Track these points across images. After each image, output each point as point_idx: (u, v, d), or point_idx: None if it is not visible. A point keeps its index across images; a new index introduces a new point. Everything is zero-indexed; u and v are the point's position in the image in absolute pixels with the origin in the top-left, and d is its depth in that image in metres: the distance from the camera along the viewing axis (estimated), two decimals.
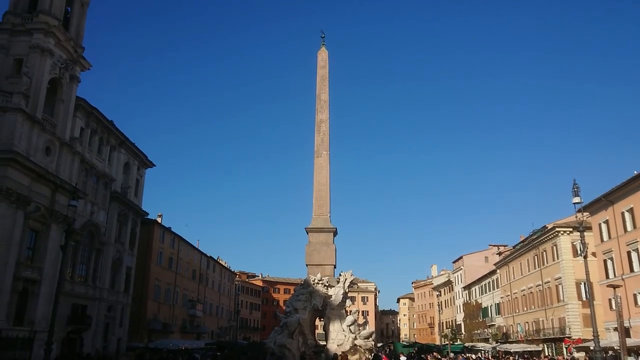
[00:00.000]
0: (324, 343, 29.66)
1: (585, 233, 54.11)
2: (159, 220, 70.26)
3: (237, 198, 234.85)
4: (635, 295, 41.66)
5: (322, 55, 35.83)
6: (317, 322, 33.54)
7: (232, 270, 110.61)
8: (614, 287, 30.87)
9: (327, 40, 36.51)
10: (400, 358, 24.09)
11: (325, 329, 30.34)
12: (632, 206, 42.85)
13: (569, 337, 53.55)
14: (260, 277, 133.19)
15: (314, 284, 30.50)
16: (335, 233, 33.05)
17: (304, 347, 28.06)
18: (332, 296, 30.04)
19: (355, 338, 28.29)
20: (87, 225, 44.76)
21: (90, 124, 46.16)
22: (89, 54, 79.10)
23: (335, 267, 32.90)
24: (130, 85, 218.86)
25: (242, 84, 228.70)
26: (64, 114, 40.93)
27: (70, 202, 21.79)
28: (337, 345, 27.68)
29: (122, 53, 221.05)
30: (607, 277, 45.93)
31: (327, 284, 30.68)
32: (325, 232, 32.63)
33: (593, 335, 21.81)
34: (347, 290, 30.71)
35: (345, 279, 30.83)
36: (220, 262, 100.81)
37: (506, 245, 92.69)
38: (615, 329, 44.98)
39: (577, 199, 22.42)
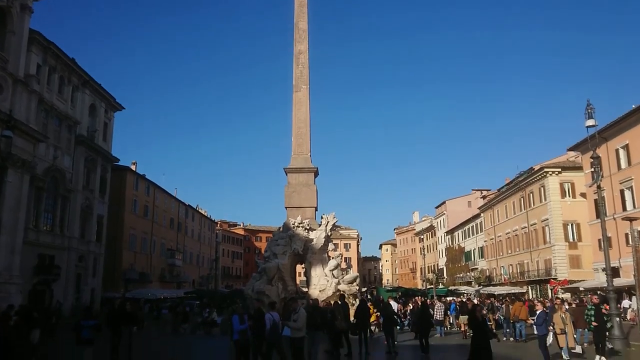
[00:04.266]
0: (307, 289, 27.99)
1: (575, 173, 53.24)
2: (132, 167, 67.24)
3: (216, 144, 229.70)
4: (626, 235, 40.44)
5: None
6: (300, 268, 31.83)
7: (213, 219, 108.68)
8: (631, 219, 28.99)
9: None
10: (391, 302, 22.14)
11: (307, 274, 28.56)
12: (627, 142, 41.08)
13: (555, 279, 53.00)
14: (241, 226, 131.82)
15: (293, 228, 28.52)
16: (316, 173, 30.86)
17: (284, 293, 26.22)
18: (314, 240, 28.11)
19: (339, 283, 26.57)
20: (50, 171, 41.66)
21: (48, 60, 42.25)
22: None
23: (316, 210, 30.87)
24: (95, 22, 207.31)
25: (219, 19, 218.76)
26: (16, 48, 36.88)
27: (3, 132, 18.73)
28: (320, 291, 25.91)
29: None
30: (598, 217, 44.63)
31: (308, 227, 28.73)
32: (305, 173, 30.42)
33: (606, 274, 20.20)
34: (329, 234, 28.81)
35: (328, 222, 28.85)
36: (199, 210, 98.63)
37: (489, 190, 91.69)
38: (604, 270, 44.26)
39: (590, 122, 19.91)
